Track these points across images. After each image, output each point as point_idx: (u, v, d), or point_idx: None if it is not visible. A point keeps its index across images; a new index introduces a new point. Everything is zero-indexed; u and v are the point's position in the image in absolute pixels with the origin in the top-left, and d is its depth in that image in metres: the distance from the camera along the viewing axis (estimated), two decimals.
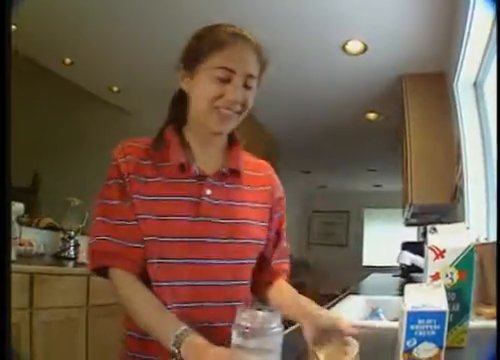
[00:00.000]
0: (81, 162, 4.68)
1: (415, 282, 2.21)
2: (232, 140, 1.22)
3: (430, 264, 0.99)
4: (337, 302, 1.87)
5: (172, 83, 1.16)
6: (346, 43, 3.43)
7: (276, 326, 0.74)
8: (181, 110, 1.16)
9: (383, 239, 9.48)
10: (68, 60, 3.90)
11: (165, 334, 0.93)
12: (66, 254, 3.57)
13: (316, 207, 9.90)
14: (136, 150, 1.11)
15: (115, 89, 4.52)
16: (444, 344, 0.78)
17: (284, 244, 1.28)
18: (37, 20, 3.01)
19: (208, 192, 1.09)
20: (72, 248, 3.61)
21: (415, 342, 0.77)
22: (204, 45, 1.07)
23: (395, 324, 1.44)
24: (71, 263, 3.37)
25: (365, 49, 3.49)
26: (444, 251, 1.00)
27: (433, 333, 0.77)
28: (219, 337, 0.90)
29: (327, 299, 1.91)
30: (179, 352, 0.88)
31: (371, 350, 1.06)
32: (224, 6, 3.00)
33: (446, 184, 3.37)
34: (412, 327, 0.77)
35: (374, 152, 6.50)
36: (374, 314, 1.82)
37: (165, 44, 3.55)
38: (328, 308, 1.67)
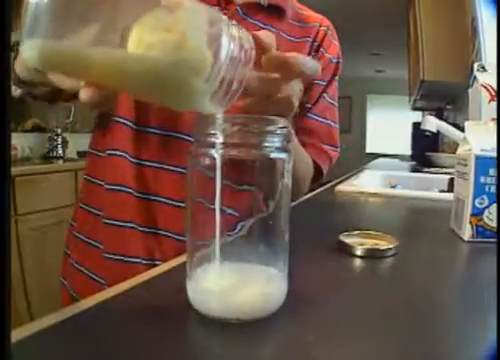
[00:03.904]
0: None
1: (431, 165, 1.95)
2: None
3: (484, 107, 0.73)
4: (352, 175, 1.65)
5: None
6: None
7: None
8: None
9: (386, 127, 9.25)
10: None
11: None
12: (54, 154, 3.32)
13: None
14: None
15: None
16: None
17: (319, 123, 1.01)
18: None
19: None
20: (60, 146, 3.36)
21: (486, 202, 0.53)
22: None
23: (423, 193, 1.22)
24: (60, 161, 3.15)
25: None
26: None
27: None
28: None
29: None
30: None
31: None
32: None
33: (461, 62, 3.06)
34: (482, 179, 0.53)
35: (376, 35, 6.04)
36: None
37: None
38: (345, 180, 1.47)
